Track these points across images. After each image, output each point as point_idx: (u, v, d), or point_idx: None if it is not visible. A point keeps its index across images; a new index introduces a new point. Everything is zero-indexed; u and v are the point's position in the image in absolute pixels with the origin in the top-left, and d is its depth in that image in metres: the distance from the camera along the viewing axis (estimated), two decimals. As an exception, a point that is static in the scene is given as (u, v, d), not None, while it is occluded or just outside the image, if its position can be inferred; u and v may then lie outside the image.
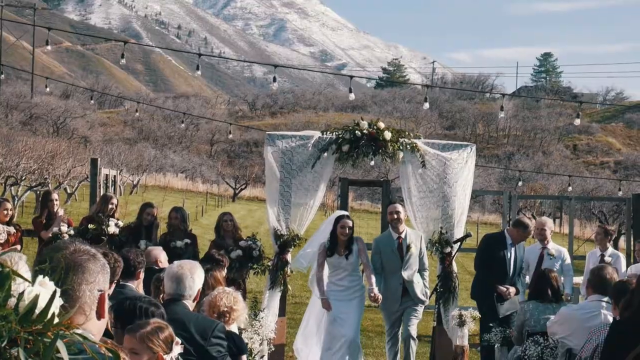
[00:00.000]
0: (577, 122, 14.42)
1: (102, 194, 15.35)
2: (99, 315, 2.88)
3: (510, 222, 18.78)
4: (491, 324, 10.05)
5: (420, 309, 11.27)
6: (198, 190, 62.12)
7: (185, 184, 64.72)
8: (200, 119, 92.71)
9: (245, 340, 7.73)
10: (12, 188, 34.06)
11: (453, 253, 11.04)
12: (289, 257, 10.96)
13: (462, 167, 11.05)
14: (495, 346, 9.80)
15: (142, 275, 7.12)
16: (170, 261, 7.93)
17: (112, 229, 11.54)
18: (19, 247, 11.49)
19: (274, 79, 13.02)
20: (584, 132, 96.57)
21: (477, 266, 11.74)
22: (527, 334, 8.54)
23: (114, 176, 21.04)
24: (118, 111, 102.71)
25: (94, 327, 2.83)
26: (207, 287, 7.00)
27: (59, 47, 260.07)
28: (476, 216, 50.17)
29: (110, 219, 11.80)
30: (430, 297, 11.42)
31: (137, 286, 7.13)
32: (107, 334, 3.65)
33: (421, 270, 11.25)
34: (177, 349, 4.74)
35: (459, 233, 11.06)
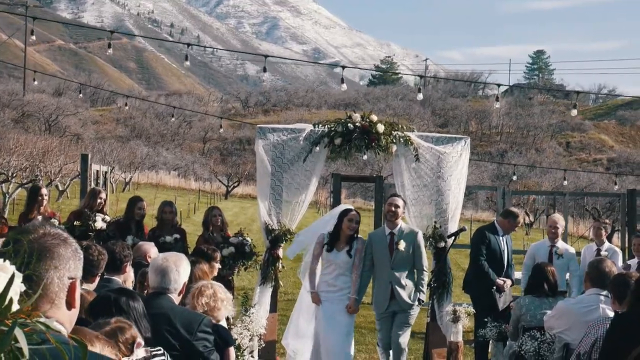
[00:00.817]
0: (574, 112, 14.22)
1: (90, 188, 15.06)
2: (70, 305, 2.69)
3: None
4: (486, 319, 9.88)
5: (413, 313, 10.50)
6: (190, 188, 61.96)
7: (177, 182, 64.52)
8: (192, 117, 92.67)
9: (235, 336, 7.56)
10: (3, 185, 33.86)
11: (447, 248, 10.87)
12: (280, 252, 10.78)
13: (457, 160, 10.85)
14: (490, 342, 9.59)
15: (129, 269, 6.88)
16: None
17: (99, 224, 11.31)
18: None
19: (264, 69, 12.82)
20: (577, 130, 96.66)
21: (473, 259, 11.59)
22: (523, 329, 8.36)
23: (105, 172, 20.80)
24: (110, 109, 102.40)
25: (63, 317, 2.64)
26: (193, 280, 6.81)
27: (51, 45, 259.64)
28: (469, 213, 50.04)
29: (97, 214, 11.57)
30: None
31: (124, 280, 6.92)
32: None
33: (418, 270, 10.45)
34: (140, 352, 4.51)
35: (453, 227, 10.89)
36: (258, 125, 11.18)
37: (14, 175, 35.18)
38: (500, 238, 11.42)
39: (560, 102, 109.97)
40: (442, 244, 10.85)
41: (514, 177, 27.50)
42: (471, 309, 10.73)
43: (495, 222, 11.92)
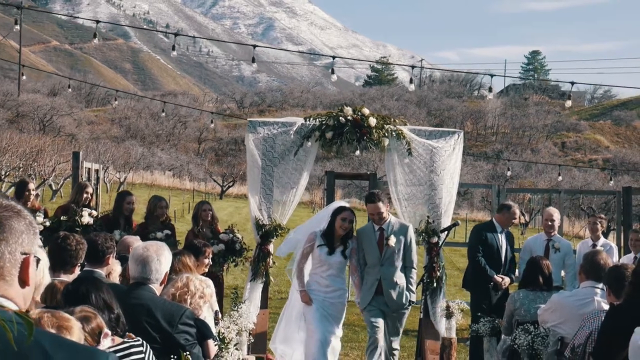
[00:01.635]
0: (569, 103, 14.11)
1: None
2: (23, 282, 2.53)
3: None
4: (479, 313, 9.73)
5: (404, 314, 10.12)
6: (185, 188, 61.83)
7: (172, 182, 64.37)
8: (187, 117, 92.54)
9: (222, 330, 7.40)
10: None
11: (440, 243, 10.72)
12: (271, 247, 10.62)
13: (450, 154, 10.70)
14: (484, 337, 9.41)
15: (112, 261, 6.66)
16: None
17: (86, 219, 11.13)
18: None
19: (253, 60, 12.63)
20: (572, 130, 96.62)
21: (470, 257, 11.50)
22: (517, 324, 8.21)
23: (97, 170, 20.64)
24: (105, 109, 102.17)
25: (15, 294, 2.49)
26: (173, 273, 6.63)
27: (46, 46, 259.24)
28: (464, 213, 49.95)
29: (84, 208, 11.39)
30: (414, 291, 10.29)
31: (108, 273, 6.74)
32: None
33: (406, 267, 9.99)
34: (107, 342, 4.35)
35: (446, 222, 10.76)
36: (248, 119, 11.04)
37: (7, 174, 35.01)
38: (499, 235, 11.30)
39: (555, 103, 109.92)
40: (435, 239, 10.69)
41: (509, 173, 27.32)
42: (464, 305, 10.58)
43: (493, 219, 11.83)
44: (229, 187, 61.84)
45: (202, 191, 59.33)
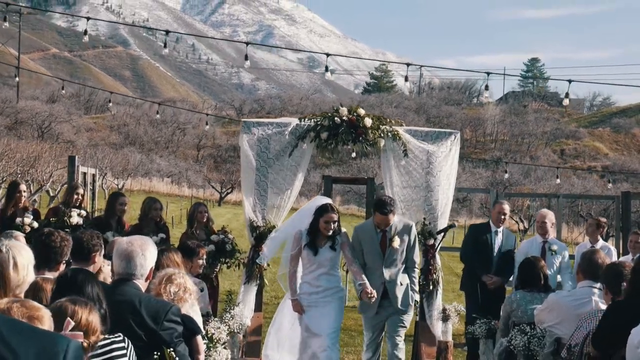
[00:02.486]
0: (566, 102, 13.97)
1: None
2: None
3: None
4: (474, 315, 9.61)
5: (408, 317, 9.72)
6: (184, 195, 61.73)
7: (170, 189, 64.27)
8: (186, 124, 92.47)
9: (212, 331, 7.28)
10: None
11: (437, 244, 10.61)
12: (265, 249, 10.48)
13: (446, 155, 10.58)
14: (480, 339, 9.26)
15: (98, 260, 6.49)
16: None
17: (75, 219, 11.00)
18: None
19: (246, 57, 12.48)
20: (571, 137, 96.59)
21: (462, 256, 11.49)
22: (513, 325, 8.08)
23: (93, 175, 20.51)
24: (104, 116, 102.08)
25: None
26: (160, 269, 6.49)
27: (46, 53, 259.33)
28: (463, 220, 49.82)
29: (73, 209, 11.27)
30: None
31: (95, 272, 6.59)
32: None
33: (409, 267, 9.64)
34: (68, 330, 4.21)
35: (443, 224, 10.64)
36: (242, 120, 10.93)
37: (4, 180, 34.90)
38: (493, 235, 11.28)
39: (554, 110, 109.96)
40: (432, 241, 10.57)
41: (506, 176, 27.24)
42: (461, 308, 10.47)
43: (489, 219, 11.83)
44: (228, 193, 61.76)
45: (201, 198, 59.24)
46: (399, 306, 9.52)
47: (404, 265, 9.61)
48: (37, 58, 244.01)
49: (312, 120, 10.39)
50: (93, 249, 6.34)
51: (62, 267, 6.25)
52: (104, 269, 6.78)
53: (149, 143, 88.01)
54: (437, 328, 10.33)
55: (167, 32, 12.52)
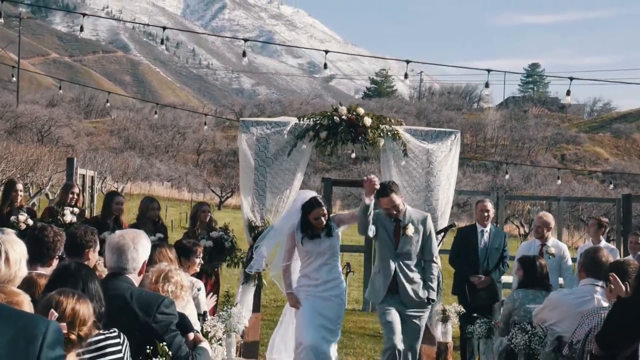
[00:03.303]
0: (568, 99, 13.95)
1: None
2: None
3: (497, 222, 18.40)
4: (475, 314, 9.52)
5: (424, 314, 9.19)
6: (183, 199, 61.64)
7: (170, 193, 64.21)
8: (186, 128, 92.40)
9: (207, 329, 7.19)
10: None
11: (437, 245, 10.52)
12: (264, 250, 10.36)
13: (446, 155, 10.49)
14: (479, 339, 9.15)
15: (92, 256, 6.39)
16: None
17: (69, 217, 10.93)
18: None
19: (244, 54, 12.44)
20: (572, 142, 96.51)
21: (450, 261, 11.52)
22: (514, 324, 7.98)
23: (92, 177, 20.45)
24: (104, 121, 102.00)
25: None
26: (152, 265, 6.39)
27: (46, 58, 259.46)
28: (464, 225, 49.66)
29: (67, 207, 11.19)
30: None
31: None
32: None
33: (426, 261, 9.15)
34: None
35: (443, 224, 10.57)
36: (241, 119, 10.85)
37: (2, 183, 34.84)
38: (479, 235, 11.31)
39: (555, 115, 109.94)
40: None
41: (507, 177, 27.21)
42: (461, 308, 10.39)
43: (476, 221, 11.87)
44: (228, 197, 61.71)
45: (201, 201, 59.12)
46: (410, 303, 9.03)
47: (418, 259, 9.14)
48: (38, 63, 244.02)
49: (311, 119, 10.29)
50: (87, 245, 6.24)
51: (55, 262, 6.16)
52: (99, 266, 6.70)
53: (149, 147, 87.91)
54: (437, 329, 10.24)
55: (164, 28, 12.46)
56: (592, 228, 12.47)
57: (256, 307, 10.47)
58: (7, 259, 4.91)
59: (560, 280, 11.44)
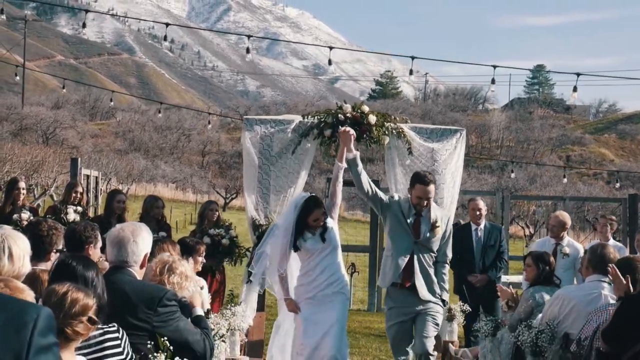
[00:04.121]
0: (575, 95, 13.91)
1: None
2: None
3: (502, 223, 18.33)
4: (480, 312, 9.44)
5: (438, 311, 8.81)
6: (188, 200, 61.65)
7: (175, 194, 64.21)
8: (191, 130, 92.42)
9: (212, 326, 7.12)
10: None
11: (441, 243, 10.46)
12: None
13: (451, 153, 10.39)
14: (487, 337, 9.03)
15: (92, 252, 6.30)
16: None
17: (72, 216, 10.89)
18: None
19: (247, 50, 12.39)
20: (577, 144, 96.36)
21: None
22: (520, 321, 7.90)
23: (96, 177, 20.42)
24: (109, 123, 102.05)
25: None
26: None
27: (51, 60, 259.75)
28: (468, 225, 49.54)
29: (70, 206, 11.16)
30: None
31: None
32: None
33: (440, 262, 8.78)
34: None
35: (448, 223, 10.47)
36: (245, 117, 10.79)
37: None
38: (473, 233, 11.37)
39: (560, 116, 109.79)
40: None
41: (512, 175, 27.18)
42: (467, 307, 10.33)
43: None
44: (232, 199, 61.74)
45: (205, 203, 59.10)
46: (424, 296, 8.59)
47: (434, 258, 8.78)
48: (43, 65, 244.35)
49: (316, 117, 10.21)
50: (87, 241, 6.18)
51: (53, 256, 6.09)
52: (101, 263, 6.64)
53: (154, 149, 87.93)
54: (443, 328, 10.17)
55: (167, 24, 12.43)
56: (602, 227, 12.33)
57: (260, 307, 10.40)
58: (10, 255, 4.86)
59: (575, 282, 11.34)
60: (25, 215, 11.00)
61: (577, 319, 6.86)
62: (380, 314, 15.23)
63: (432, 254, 8.71)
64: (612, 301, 6.52)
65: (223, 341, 7.31)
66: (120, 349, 4.81)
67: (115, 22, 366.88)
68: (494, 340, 8.28)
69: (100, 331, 4.70)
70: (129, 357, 4.89)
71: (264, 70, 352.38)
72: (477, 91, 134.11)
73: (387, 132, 10.20)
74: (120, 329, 4.86)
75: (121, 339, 4.85)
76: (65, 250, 6.18)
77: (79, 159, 18.84)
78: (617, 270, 6.16)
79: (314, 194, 9.02)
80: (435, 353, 8.90)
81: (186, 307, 5.77)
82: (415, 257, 8.59)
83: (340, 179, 9.04)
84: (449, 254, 8.90)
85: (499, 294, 8.99)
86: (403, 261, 8.62)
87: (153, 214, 11.42)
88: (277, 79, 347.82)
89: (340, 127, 9.86)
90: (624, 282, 5.96)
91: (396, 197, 8.89)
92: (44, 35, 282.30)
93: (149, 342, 5.13)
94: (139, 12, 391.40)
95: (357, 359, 12.33)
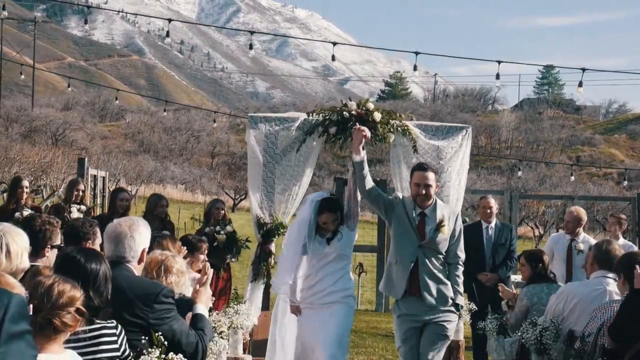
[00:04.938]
0: (581, 90, 13.85)
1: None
2: None
3: (511, 222, 18.23)
4: (487, 310, 9.36)
5: (451, 320, 8.21)
6: (197, 201, 61.67)
7: (184, 195, 64.27)
8: (201, 131, 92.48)
9: (213, 324, 7.08)
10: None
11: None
12: (272, 247, 10.23)
13: (457, 150, 10.28)
14: (490, 336, 8.96)
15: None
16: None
17: (75, 214, 10.87)
18: None
19: (250, 47, 12.34)
20: (587, 144, 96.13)
21: None
22: (525, 319, 7.84)
23: (103, 177, 20.39)
24: (119, 124, 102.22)
25: None
26: None
27: (61, 62, 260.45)
28: (478, 226, 49.37)
29: (73, 204, 11.13)
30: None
31: None
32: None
33: (452, 264, 8.23)
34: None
35: (454, 221, 10.39)
36: (249, 115, 10.73)
37: (14, 184, 34.97)
38: (484, 232, 11.29)
39: (570, 117, 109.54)
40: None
41: (520, 173, 27.05)
42: (473, 305, 10.25)
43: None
44: (241, 200, 61.81)
45: (215, 204, 59.14)
46: (432, 303, 8.05)
47: (443, 260, 8.27)
48: (53, 67, 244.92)
49: (320, 114, 10.14)
50: (85, 236, 6.15)
51: (49, 251, 6.04)
52: None
53: (163, 150, 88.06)
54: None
55: (170, 20, 12.39)
56: (611, 226, 12.22)
57: (265, 306, 10.35)
58: (8, 252, 4.83)
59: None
60: (27, 213, 10.97)
61: (581, 315, 6.80)
62: (387, 314, 15.18)
63: (440, 256, 8.18)
64: (617, 297, 6.46)
65: (222, 338, 7.24)
66: (116, 346, 4.76)
67: (125, 23, 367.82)
68: (499, 337, 8.21)
69: (98, 326, 4.66)
70: (126, 354, 4.85)
71: (274, 71, 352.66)
72: (486, 92, 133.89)
73: (392, 130, 10.12)
74: (119, 325, 4.81)
75: (118, 336, 4.80)
76: (63, 246, 6.13)
77: (86, 159, 18.81)
78: (625, 267, 6.08)
79: (333, 196, 9.05)
80: None
81: (186, 304, 5.72)
82: (420, 263, 8.09)
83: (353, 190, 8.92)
84: (461, 255, 8.36)
85: (500, 294, 8.94)
86: (408, 269, 8.14)
87: (157, 212, 11.40)
88: (286, 80, 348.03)
89: (345, 124, 9.81)
90: None
91: (400, 196, 8.64)
92: (54, 37, 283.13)
93: (143, 337, 5.07)
94: (149, 14, 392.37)
95: (363, 358, 12.26)
